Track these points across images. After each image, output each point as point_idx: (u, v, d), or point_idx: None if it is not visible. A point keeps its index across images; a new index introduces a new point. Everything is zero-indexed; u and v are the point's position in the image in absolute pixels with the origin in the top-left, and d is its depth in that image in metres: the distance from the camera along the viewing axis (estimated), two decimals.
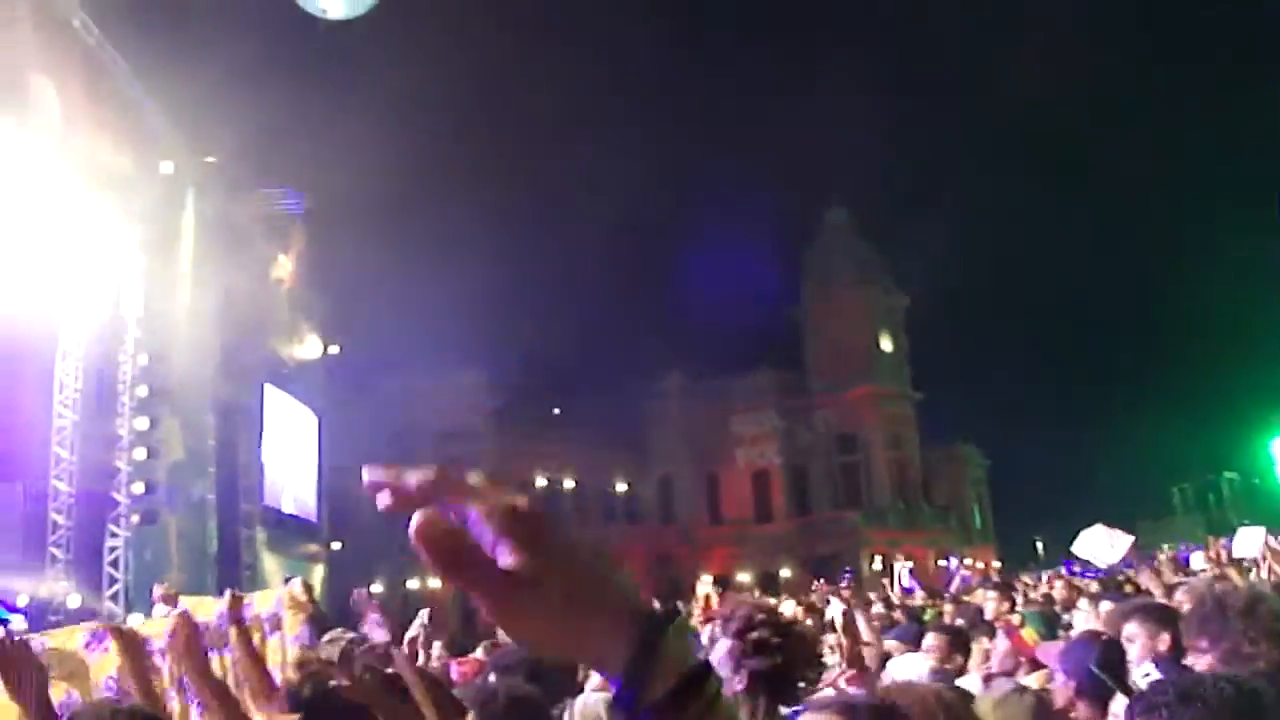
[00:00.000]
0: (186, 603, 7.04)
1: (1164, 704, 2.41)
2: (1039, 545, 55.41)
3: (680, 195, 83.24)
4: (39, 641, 5.44)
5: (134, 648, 4.47)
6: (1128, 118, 76.57)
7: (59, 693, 5.20)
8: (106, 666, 5.40)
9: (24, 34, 18.82)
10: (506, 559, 0.97)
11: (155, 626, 5.29)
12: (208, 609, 5.78)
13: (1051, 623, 7.51)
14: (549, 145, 57.96)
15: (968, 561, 50.85)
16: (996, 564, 55.94)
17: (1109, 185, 72.42)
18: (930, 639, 6.46)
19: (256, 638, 6.00)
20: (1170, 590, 7.80)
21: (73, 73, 20.46)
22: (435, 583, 48.22)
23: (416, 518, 0.98)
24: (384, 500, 1.00)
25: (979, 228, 75.46)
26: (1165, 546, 19.11)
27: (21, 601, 18.87)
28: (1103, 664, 3.89)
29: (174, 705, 5.24)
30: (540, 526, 0.99)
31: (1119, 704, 2.84)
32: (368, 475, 1.02)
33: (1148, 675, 2.87)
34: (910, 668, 5.51)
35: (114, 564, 21.99)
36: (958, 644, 6.57)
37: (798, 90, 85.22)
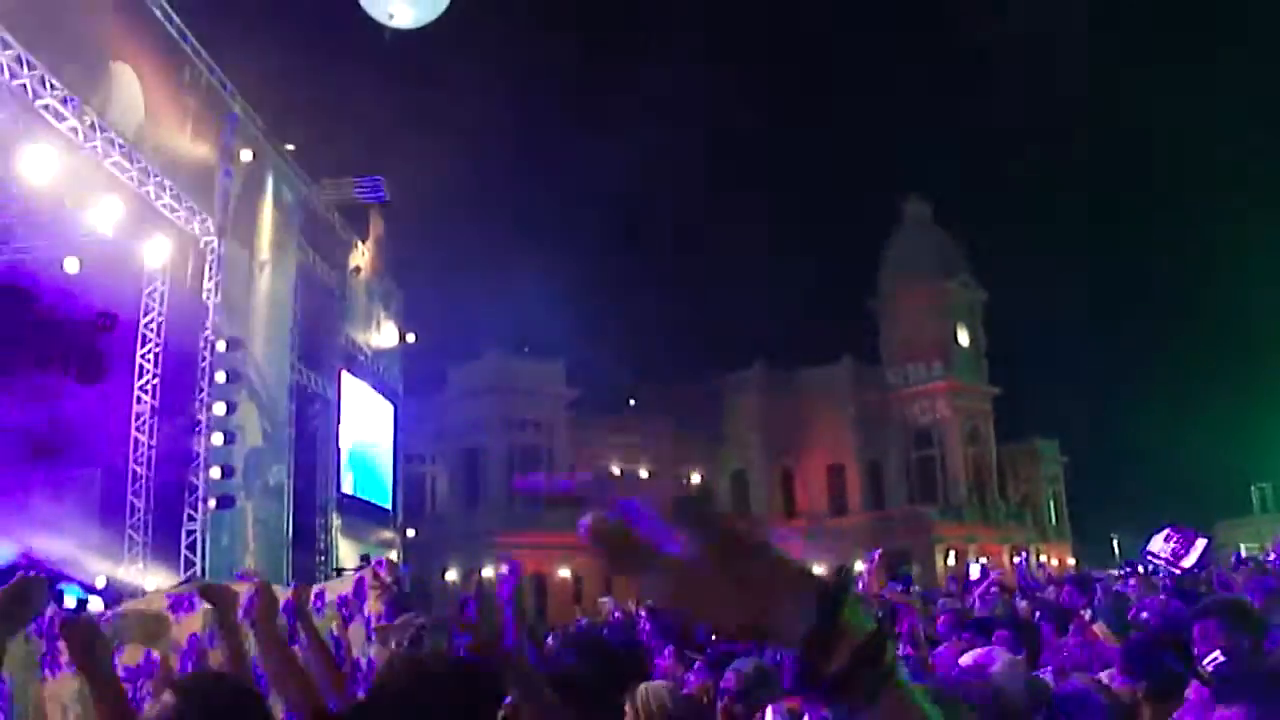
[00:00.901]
0: None
1: (1249, 683, 2.34)
2: (1116, 543, 54.67)
3: (759, 185, 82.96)
4: (111, 611, 5.49)
5: (225, 601, 4.48)
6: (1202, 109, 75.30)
7: (136, 655, 5.26)
8: (191, 626, 5.45)
9: (105, 21, 19.02)
10: (676, 546, 1.03)
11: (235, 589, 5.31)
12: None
13: (1123, 619, 7.36)
14: (626, 134, 57.95)
15: (1042, 559, 50.38)
16: (1071, 561, 55.40)
17: (1192, 178, 71.25)
18: (997, 634, 6.40)
19: (335, 624, 6.01)
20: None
21: (154, 59, 20.66)
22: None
23: (586, 520, 1.04)
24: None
25: (1056, 221, 74.69)
26: (1244, 546, 18.88)
27: (100, 584, 19.16)
28: (1171, 661, 3.80)
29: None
30: (707, 515, 1.05)
31: (1194, 690, 2.77)
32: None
33: (1215, 661, 2.79)
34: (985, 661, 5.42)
35: (191, 548, 22.19)
36: (1024, 638, 6.49)
37: (881, 82, 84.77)
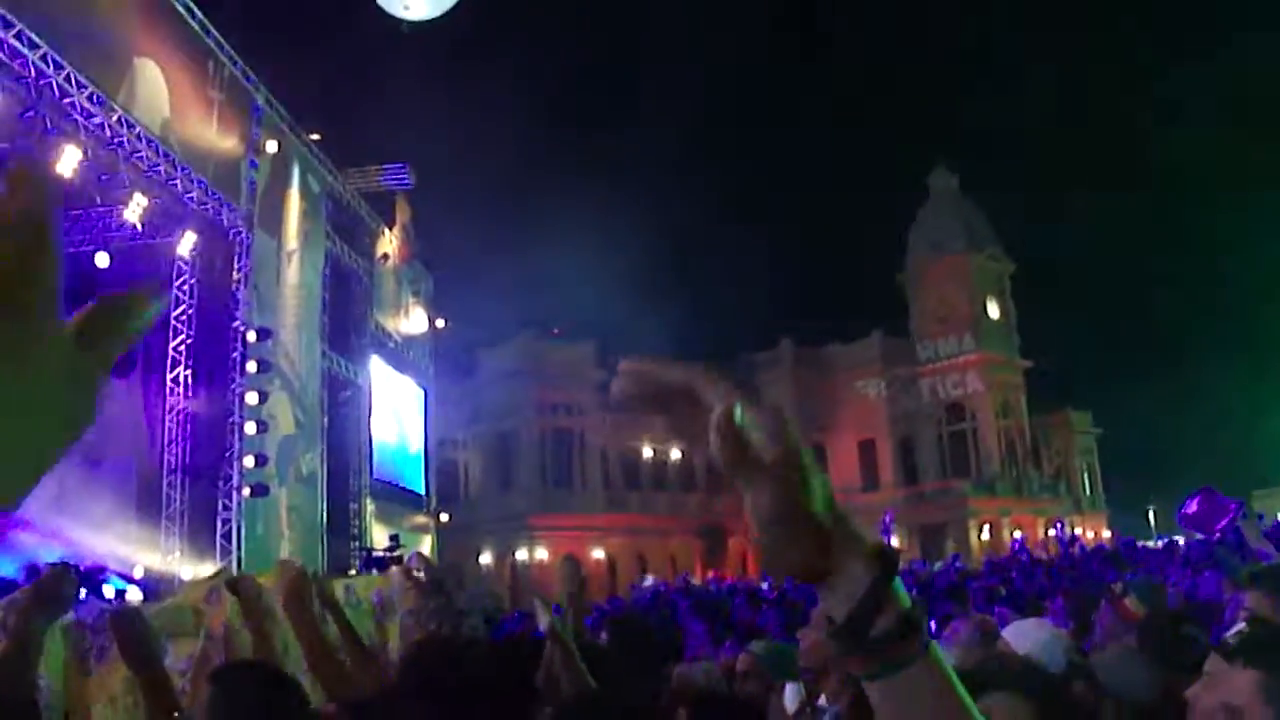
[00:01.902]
0: None
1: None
2: (1151, 515, 54.45)
3: (787, 161, 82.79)
4: (157, 606, 5.58)
5: (250, 591, 4.55)
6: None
7: (188, 648, 5.36)
8: (219, 617, 5.53)
9: (129, 17, 19.13)
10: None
11: (268, 578, 5.38)
12: None
13: (1155, 592, 7.36)
14: (650, 116, 57.95)
15: (1078, 531, 50.20)
16: (1107, 533, 55.16)
17: (1218, 147, 70.64)
18: (1053, 605, 6.43)
19: (368, 624, 6.07)
20: None
21: (177, 54, 20.78)
22: (542, 554, 48.66)
23: (721, 411, 1.12)
24: (632, 387, 1.12)
25: (1087, 191, 74.19)
26: None
27: (137, 574, 19.31)
28: (1182, 634, 3.81)
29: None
30: (797, 450, 1.12)
31: (1212, 663, 2.77)
32: (626, 365, 1.13)
33: (1238, 633, 2.79)
34: (1027, 634, 5.43)
35: (226, 537, 22.35)
36: (1074, 609, 6.53)
37: (912, 56, 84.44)
